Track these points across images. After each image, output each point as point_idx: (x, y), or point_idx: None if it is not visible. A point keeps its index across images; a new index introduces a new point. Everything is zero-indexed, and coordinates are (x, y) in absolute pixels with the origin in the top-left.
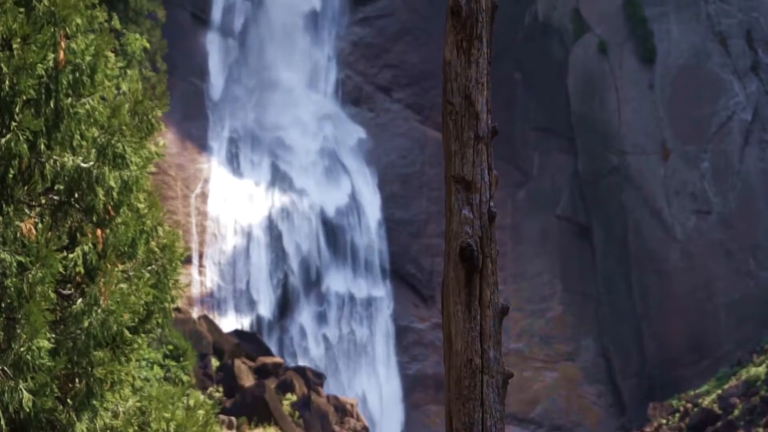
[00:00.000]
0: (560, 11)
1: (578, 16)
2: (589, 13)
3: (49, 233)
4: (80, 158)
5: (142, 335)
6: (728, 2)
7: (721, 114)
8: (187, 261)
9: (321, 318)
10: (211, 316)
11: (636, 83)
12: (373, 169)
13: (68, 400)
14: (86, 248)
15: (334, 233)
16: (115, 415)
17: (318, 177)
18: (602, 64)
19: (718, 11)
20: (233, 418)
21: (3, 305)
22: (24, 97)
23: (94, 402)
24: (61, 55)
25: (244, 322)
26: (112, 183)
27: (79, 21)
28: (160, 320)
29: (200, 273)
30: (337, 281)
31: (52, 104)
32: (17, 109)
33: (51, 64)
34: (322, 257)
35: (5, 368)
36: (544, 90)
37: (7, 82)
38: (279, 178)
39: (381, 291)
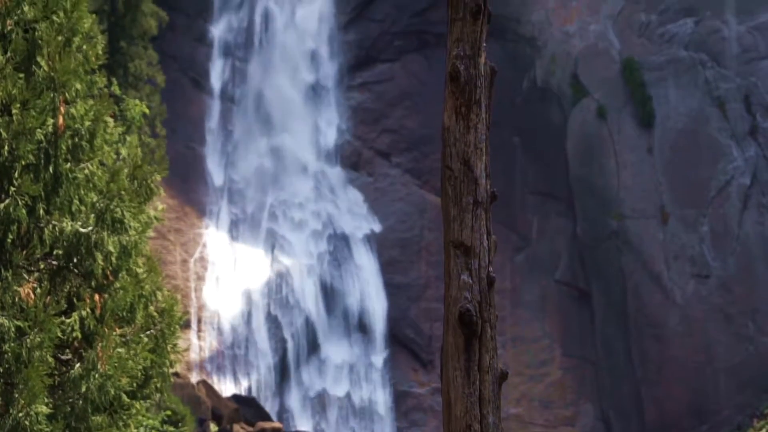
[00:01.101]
0: (559, 76)
1: (577, 80)
2: (587, 77)
3: (48, 298)
4: (79, 223)
5: (141, 400)
6: (726, 67)
7: (720, 178)
8: (186, 325)
9: (320, 383)
10: (209, 381)
11: (635, 147)
12: (372, 233)
13: None
14: (84, 313)
15: (333, 297)
16: None
17: (317, 241)
18: (601, 129)
19: (716, 76)
20: None
21: (1, 370)
22: (23, 162)
23: None
24: (61, 120)
25: (243, 387)
26: (110, 248)
27: (78, 86)
28: (158, 385)
29: (199, 338)
30: (336, 346)
31: (51, 169)
32: (16, 174)
33: (50, 129)
34: (321, 322)
35: None
36: (543, 154)
37: (6, 147)
38: (278, 243)
39: (380, 355)
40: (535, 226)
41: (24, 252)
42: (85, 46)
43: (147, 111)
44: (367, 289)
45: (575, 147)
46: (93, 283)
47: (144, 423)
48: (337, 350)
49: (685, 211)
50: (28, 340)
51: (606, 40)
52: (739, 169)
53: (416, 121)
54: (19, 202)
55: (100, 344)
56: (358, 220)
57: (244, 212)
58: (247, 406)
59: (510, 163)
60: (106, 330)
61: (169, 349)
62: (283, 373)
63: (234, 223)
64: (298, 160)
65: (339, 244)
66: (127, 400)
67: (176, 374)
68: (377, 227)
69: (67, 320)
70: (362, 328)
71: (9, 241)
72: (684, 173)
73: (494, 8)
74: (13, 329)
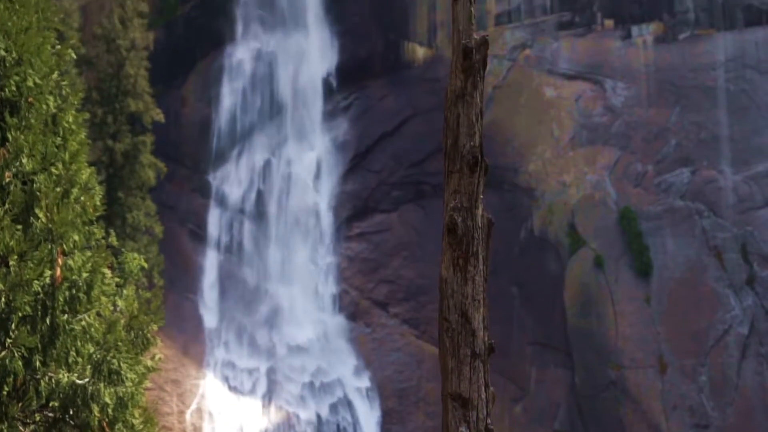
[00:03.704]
0: (556, 226)
1: (573, 230)
2: (584, 227)
3: None
4: (75, 375)
5: None
6: (723, 216)
7: (718, 328)
8: None
9: None
10: None
11: (632, 297)
12: (370, 383)
13: None
14: None
15: None
16: None
17: (315, 392)
18: (598, 278)
19: (713, 225)
20: None
21: None
22: (20, 314)
23: None
24: (58, 272)
25: None
26: (107, 399)
27: (76, 238)
28: None
29: None
30: None
31: (48, 321)
32: (13, 326)
33: (47, 280)
34: None
35: None
36: (541, 304)
37: (3, 299)
38: (276, 394)
39: None
40: (533, 377)
41: (20, 404)
42: (83, 198)
43: (145, 264)
44: None
45: (573, 297)
46: None
47: None
48: None
49: (684, 361)
50: None
51: (603, 190)
52: (737, 319)
53: (414, 271)
54: (16, 354)
55: None
56: (356, 371)
57: (241, 362)
58: None
59: (508, 313)
60: None
61: None
62: None
63: (232, 374)
64: (297, 310)
65: (337, 394)
66: None
67: None
68: (375, 377)
69: None
70: None
71: (5, 393)
72: (682, 323)
73: (491, 158)
74: None
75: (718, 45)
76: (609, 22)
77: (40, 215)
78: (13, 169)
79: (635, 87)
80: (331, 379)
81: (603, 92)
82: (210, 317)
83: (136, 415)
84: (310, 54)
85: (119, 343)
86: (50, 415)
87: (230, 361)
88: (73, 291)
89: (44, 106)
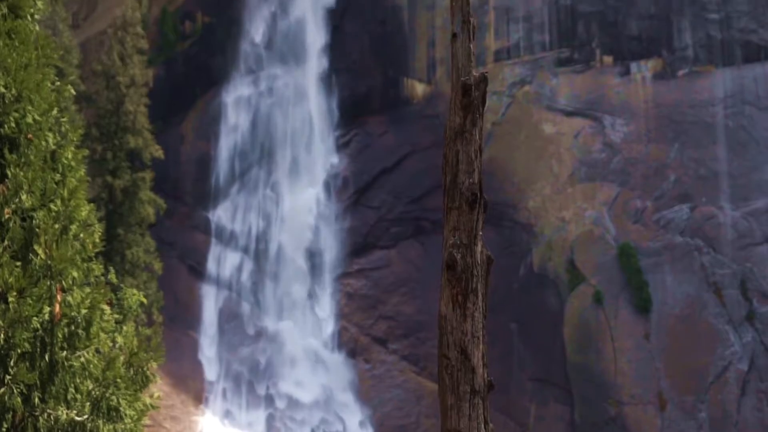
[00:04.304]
0: (555, 262)
1: (573, 266)
2: (583, 263)
3: None
4: (74, 411)
5: None
6: (722, 253)
7: (718, 364)
8: None
9: None
10: None
11: (632, 333)
12: (369, 420)
13: None
14: None
15: None
16: None
17: (314, 428)
18: (598, 314)
19: (712, 261)
20: None
21: None
22: (19, 351)
23: None
24: (57, 308)
25: None
26: None
27: (75, 274)
28: None
29: None
30: None
31: (47, 357)
32: (12, 362)
33: (46, 317)
34: None
35: None
36: (540, 340)
37: (2, 336)
38: (275, 430)
39: None
40: (532, 413)
41: None
42: (82, 234)
43: (144, 301)
44: None
45: (572, 333)
46: None
47: None
48: None
49: (683, 398)
50: None
51: (602, 226)
52: (736, 355)
53: (413, 307)
54: (15, 391)
55: None
56: (356, 407)
57: (240, 399)
58: None
59: (507, 349)
60: None
61: None
62: None
63: (230, 411)
64: (296, 347)
65: (337, 427)
66: None
67: None
68: (375, 414)
69: None
70: None
71: (4, 429)
72: (681, 359)
73: (490, 195)
74: None
75: (717, 81)
76: (608, 59)
77: (39, 252)
78: (13, 206)
79: (634, 123)
80: (331, 416)
81: (602, 128)
82: (209, 353)
83: None
84: (310, 90)
85: (118, 380)
86: None
87: (229, 396)
88: (72, 327)
89: (43, 143)
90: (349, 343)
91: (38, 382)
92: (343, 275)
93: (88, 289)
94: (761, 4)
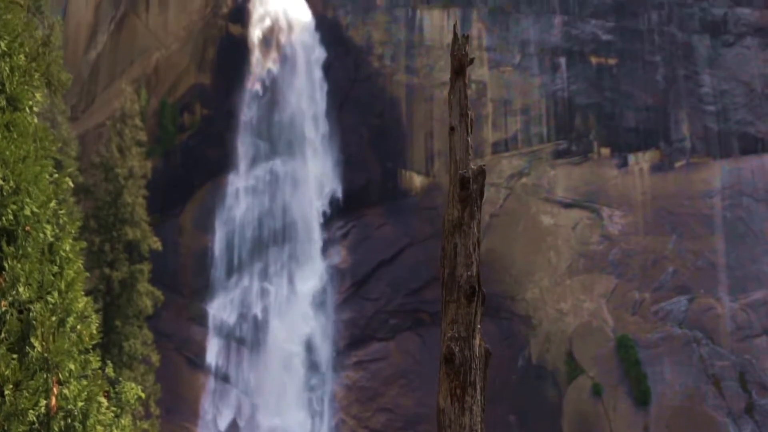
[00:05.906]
0: (554, 354)
1: (571, 358)
2: (582, 355)
3: None
4: None
5: None
6: (721, 344)
7: None
8: None
9: None
10: None
11: (631, 425)
12: None
13: None
14: None
15: None
16: None
17: None
18: (596, 406)
19: (711, 353)
20: None
21: None
22: None
23: None
24: (53, 401)
25: None
26: None
27: (72, 366)
28: None
29: None
30: None
31: None
32: None
33: (43, 410)
34: None
35: None
36: None
37: None
38: None
39: None
40: None
41: None
42: (79, 326)
43: (142, 395)
44: None
45: (571, 425)
46: None
47: None
48: None
49: None
50: None
51: (600, 318)
52: None
53: (412, 400)
54: None
55: None
56: None
57: None
58: None
59: None
60: None
61: None
62: None
63: None
64: None
65: None
66: None
67: None
68: None
69: None
70: None
71: None
72: None
73: (488, 286)
74: None
75: (715, 173)
76: (605, 151)
77: (36, 344)
78: (10, 298)
79: (632, 215)
80: None
81: (600, 220)
82: None
83: None
84: (308, 182)
85: None
86: None
87: None
88: (69, 420)
89: (41, 235)
90: None
91: None
92: (341, 367)
93: (85, 382)
94: (757, 96)
